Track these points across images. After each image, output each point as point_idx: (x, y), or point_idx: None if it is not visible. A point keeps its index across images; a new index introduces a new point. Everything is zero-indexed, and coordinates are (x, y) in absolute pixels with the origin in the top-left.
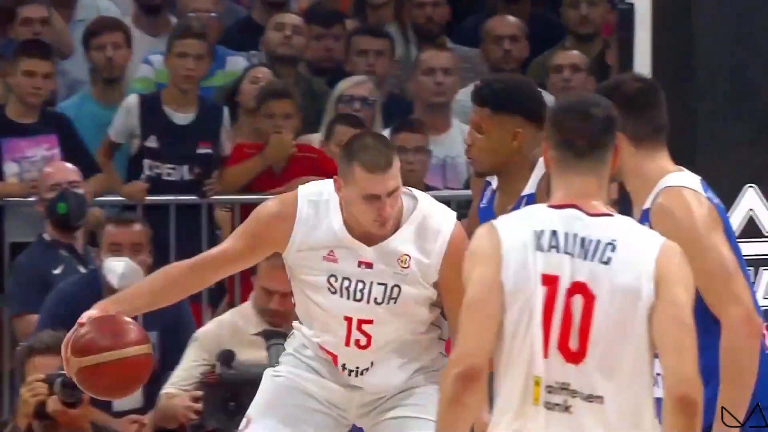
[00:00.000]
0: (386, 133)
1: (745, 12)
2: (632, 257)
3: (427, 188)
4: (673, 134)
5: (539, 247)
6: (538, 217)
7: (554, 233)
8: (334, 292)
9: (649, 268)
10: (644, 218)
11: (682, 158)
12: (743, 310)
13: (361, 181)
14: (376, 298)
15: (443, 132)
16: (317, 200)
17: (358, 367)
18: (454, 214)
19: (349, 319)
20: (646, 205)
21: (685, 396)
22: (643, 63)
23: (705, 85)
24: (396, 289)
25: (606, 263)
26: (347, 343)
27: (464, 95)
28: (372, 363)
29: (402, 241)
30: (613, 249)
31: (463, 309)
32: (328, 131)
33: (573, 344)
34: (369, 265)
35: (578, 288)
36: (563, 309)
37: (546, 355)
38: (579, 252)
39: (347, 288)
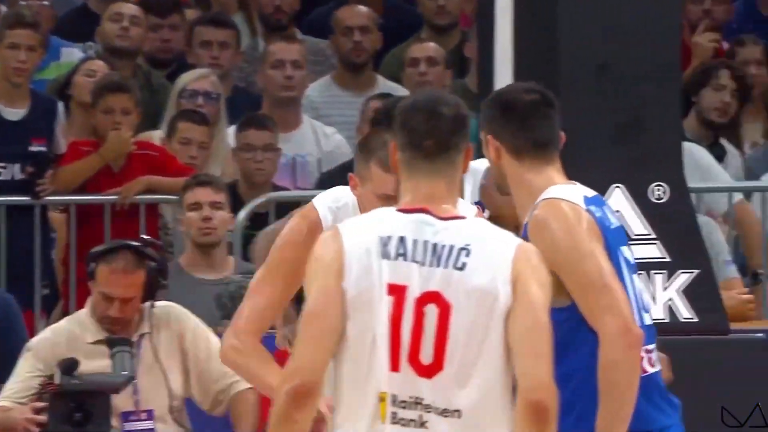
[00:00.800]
0: (231, 130)
1: (610, 6)
2: (487, 260)
3: (275, 188)
4: None
5: (385, 255)
6: (385, 222)
7: (402, 239)
8: None
9: (506, 271)
10: (525, 231)
11: None
12: (620, 321)
13: (377, 179)
14: None
15: (293, 129)
16: (335, 206)
17: None
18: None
19: None
20: (527, 218)
21: (538, 401)
22: (504, 57)
23: (569, 80)
24: None
25: (461, 269)
26: None
27: (314, 90)
28: None
29: None
30: (468, 254)
31: (301, 321)
32: (169, 128)
33: (426, 357)
34: None
35: (431, 297)
36: (413, 320)
37: (396, 368)
38: (430, 260)
39: None
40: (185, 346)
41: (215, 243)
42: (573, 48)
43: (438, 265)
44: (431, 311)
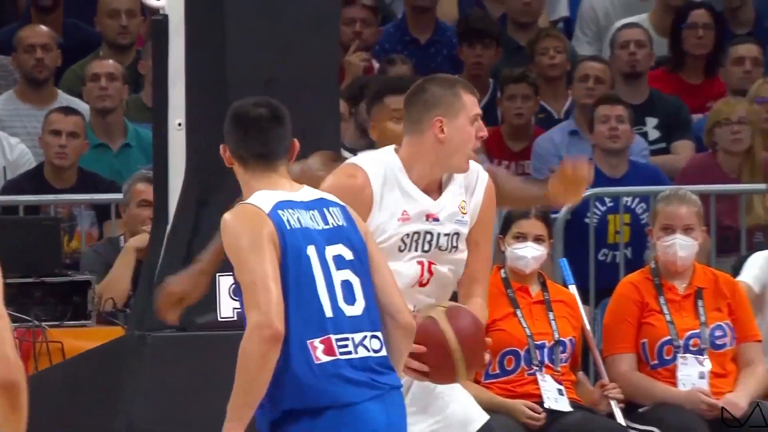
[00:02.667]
0: None
1: (275, 25)
2: None
3: None
4: (209, 147)
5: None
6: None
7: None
8: (403, 249)
9: None
10: None
11: None
12: (261, 317)
13: (469, 104)
14: (441, 246)
15: None
16: (379, 167)
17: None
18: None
19: (421, 263)
20: None
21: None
22: (176, 73)
23: (238, 93)
24: (455, 237)
25: None
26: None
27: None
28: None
29: (456, 191)
30: None
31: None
32: None
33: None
34: (436, 218)
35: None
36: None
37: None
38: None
39: (416, 241)
40: None
41: None
42: (241, 64)
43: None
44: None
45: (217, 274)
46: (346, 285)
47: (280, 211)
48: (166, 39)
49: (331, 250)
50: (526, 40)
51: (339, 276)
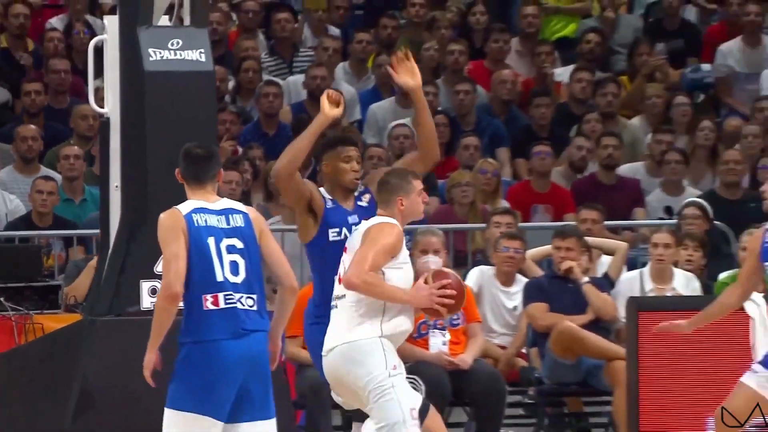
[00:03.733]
0: None
1: (176, 123)
2: None
3: None
4: (135, 200)
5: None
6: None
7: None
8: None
9: None
10: None
11: None
12: (165, 281)
13: (416, 185)
14: None
15: None
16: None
17: None
18: None
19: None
20: None
21: None
22: (115, 154)
23: (155, 170)
24: None
25: None
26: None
27: None
28: None
29: None
30: None
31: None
32: None
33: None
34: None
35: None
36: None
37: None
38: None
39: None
40: None
41: None
42: (156, 148)
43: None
44: None
45: (140, 280)
46: (234, 264)
47: (193, 214)
48: (108, 132)
49: (227, 242)
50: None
51: (229, 258)
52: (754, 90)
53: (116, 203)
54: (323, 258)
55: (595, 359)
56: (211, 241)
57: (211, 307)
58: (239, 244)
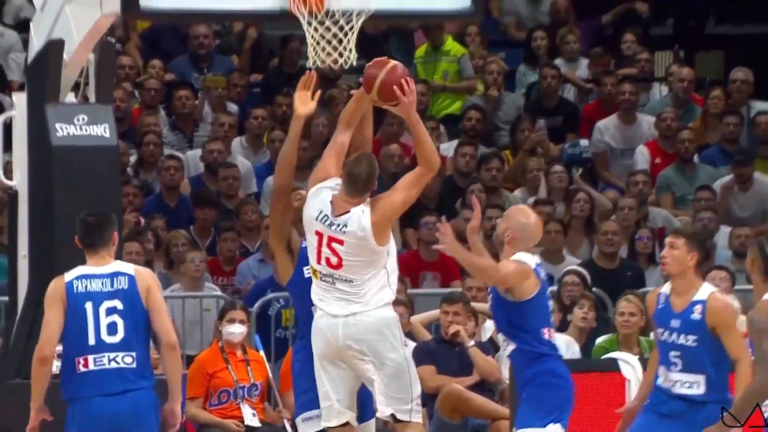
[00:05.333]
0: None
1: (84, 194)
2: None
3: None
4: (42, 269)
5: None
6: None
7: None
8: None
9: None
10: None
11: None
12: (38, 346)
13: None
14: None
15: None
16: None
17: None
18: None
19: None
20: None
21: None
22: (23, 225)
23: (61, 238)
24: None
25: None
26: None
27: None
28: None
29: None
30: None
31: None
32: None
33: None
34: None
35: None
36: None
37: None
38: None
39: None
40: None
41: None
42: (62, 218)
43: None
44: None
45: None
46: (112, 324)
47: (75, 281)
48: (17, 205)
49: (107, 304)
50: (233, 205)
51: (108, 320)
52: (629, 164)
53: (24, 272)
54: (303, 293)
55: (480, 419)
56: (88, 305)
57: (82, 369)
58: (120, 306)
